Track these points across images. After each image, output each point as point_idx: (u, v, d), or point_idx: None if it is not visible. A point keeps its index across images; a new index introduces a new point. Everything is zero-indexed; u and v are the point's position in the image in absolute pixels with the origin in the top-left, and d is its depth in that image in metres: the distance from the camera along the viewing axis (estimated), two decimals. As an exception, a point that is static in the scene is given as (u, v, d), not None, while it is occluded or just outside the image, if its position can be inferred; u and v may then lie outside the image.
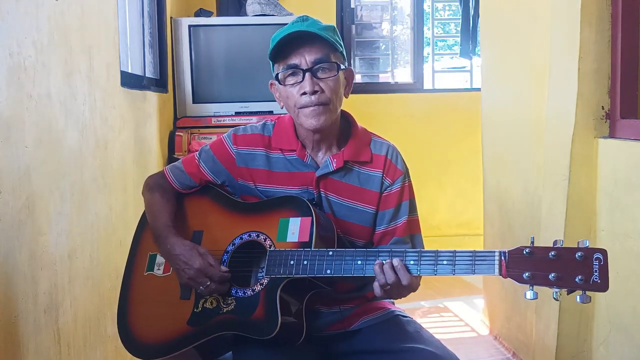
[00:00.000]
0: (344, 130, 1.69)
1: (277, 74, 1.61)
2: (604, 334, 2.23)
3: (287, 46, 1.58)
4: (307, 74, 1.57)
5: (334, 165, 1.64)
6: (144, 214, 1.79)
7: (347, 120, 1.71)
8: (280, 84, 1.61)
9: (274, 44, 1.59)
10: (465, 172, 4.84)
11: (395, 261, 1.42)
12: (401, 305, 1.79)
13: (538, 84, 2.69)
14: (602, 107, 2.23)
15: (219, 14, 4.20)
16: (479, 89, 3.60)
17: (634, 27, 2.16)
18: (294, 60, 1.58)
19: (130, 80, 2.96)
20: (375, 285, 1.45)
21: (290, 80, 1.60)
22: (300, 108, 1.59)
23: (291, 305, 1.53)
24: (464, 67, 5.41)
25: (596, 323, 2.27)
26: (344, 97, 1.66)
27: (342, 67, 1.63)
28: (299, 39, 1.58)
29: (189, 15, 4.10)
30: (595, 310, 2.27)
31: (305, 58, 1.57)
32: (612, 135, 2.21)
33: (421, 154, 4.84)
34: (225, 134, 1.74)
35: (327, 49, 1.59)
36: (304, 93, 1.57)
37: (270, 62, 1.65)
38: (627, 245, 2.05)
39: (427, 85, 5.16)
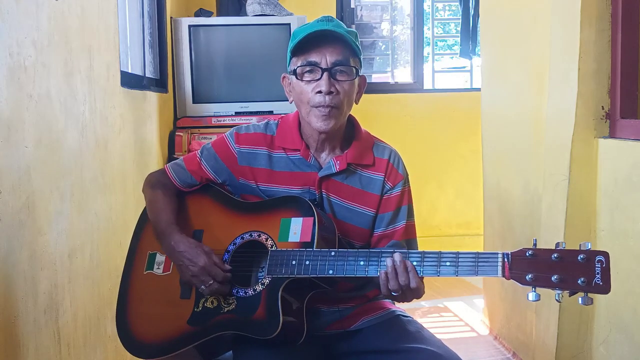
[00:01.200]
0: (348, 133, 1.70)
1: (295, 69, 1.61)
2: (604, 334, 2.23)
3: (309, 43, 1.58)
4: (326, 74, 1.58)
5: (337, 167, 1.64)
6: (142, 213, 1.78)
7: (351, 123, 1.72)
8: (297, 78, 1.61)
9: (297, 38, 1.59)
10: (465, 172, 4.84)
11: (409, 263, 1.43)
12: (401, 305, 1.79)
13: (538, 84, 2.69)
14: (602, 107, 2.23)
15: (219, 14, 4.20)
16: (479, 89, 3.61)
17: (634, 27, 2.16)
18: (315, 58, 1.58)
19: (130, 80, 2.96)
20: (383, 281, 1.45)
21: (308, 76, 1.60)
22: (313, 107, 1.59)
23: (292, 305, 1.53)
24: (464, 67, 5.41)
25: (596, 323, 2.27)
26: (353, 103, 1.66)
27: (359, 72, 1.63)
28: (322, 38, 1.58)
29: (189, 15, 4.10)
30: (595, 310, 2.27)
31: (326, 57, 1.58)
32: (612, 135, 2.21)
33: (421, 154, 4.84)
34: (227, 133, 1.74)
35: (348, 53, 1.60)
36: (319, 92, 1.58)
37: (288, 56, 1.65)
38: (627, 245, 2.05)
39: (427, 85, 5.16)
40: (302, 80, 1.61)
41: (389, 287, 1.44)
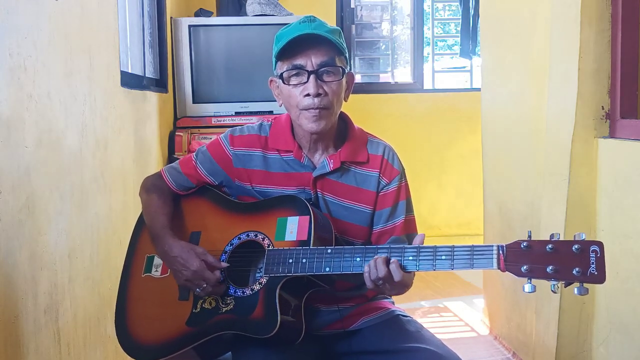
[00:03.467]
0: (340, 131, 1.70)
1: (282, 73, 1.61)
2: (604, 334, 2.23)
3: (293, 46, 1.58)
4: (312, 76, 1.57)
5: (331, 165, 1.64)
6: (140, 216, 1.79)
7: (344, 121, 1.72)
8: (284, 83, 1.61)
9: (280, 42, 1.59)
10: (465, 172, 4.84)
11: (392, 261, 1.42)
12: (401, 305, 1.79)
13: (538, 84, 2.69)
14: (602, 107, 2.23)
15: (219, 14, 4.20)
16: (479, 89, 3.60)
17: (634, 27, 2.16)
18: (300, 61, 1.58)
19: (130, 80, 2.96)
20: (367, 277, 1.45)
21: (294, 80, 1.60)
22: (302, 110, 1.59)
23: (290, 303, 1.54)
24: (464, 67, 5.41)
25: (596, 323, 2.27)
26: (343, 101, 1.66)
27: (346, 71, 1.63)
28: (306, 40, 1.57)
29: (189, 15, 4.10)
30: (595, 310, 2.27)
31: (311, 60, 1.57)
32: (612, 135, 2.21)
33: (421, 154, 4.84)
34: (222, 135, 1.74)
35: (333, 53, 1.59)
36: (307, 95, 1.57)
37: (274, 60, 1.65)
38: (627, 245, 2.05)
39: (427, 85, 5.16)
40: (289, 84, 1.60)
41: (370, 278, 1.44)
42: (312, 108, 1.58)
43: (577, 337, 2.34)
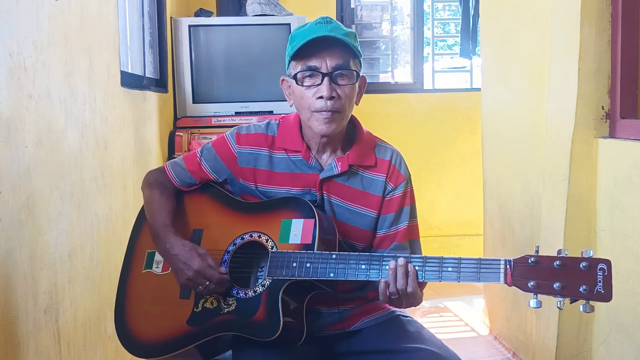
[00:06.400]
0: (349, 134, 1.69)
1: (295, 74, 1.60)
2: (604, 334, 2.23)
3: (309, 47, 1.56)
4: (327, 79, 1.56)
5: (339, 168, 1.64)
6: (141, 211, 1.78)
7: (352, 123, 1.71)
8: (297, 84, 1.60)
9: (297, 43, 1.57)
10: (465, 172, 4.84)
11: (410, 267, 1.43)
12: (401, 306, 1.79)
13: (538, 84, 2.69)
14: (602, 107, 2.23)
15: (219, 14, 4.20)
16: (479, 89, 3.61)
17: (634, 27, 2.16)
18: (315, 63, 1.57)
19: (130, 80, 2.96)
20: (382, 289, 1.45)
21: (308, 81, 1.59)
22: (314, 112, 1.58)
23: (292, 306, 1.53)
24: (464, 67, 5.40)
25: (596, 323, 2.27)
26: (354, 105, 1.66)
27: (359, 74, 1.62)
28: (322, 42, 1.56)
29: (189, 15, 4.10)
30: (595, 310, 2.26)
31: (326, 62, 1.56)
32: (612, 135, 2.21)
33: (421, 154, 4.84)
34: (228, 132, 1.73)
35: (348, 56, 1.59)
36: (321, 97, 1.57)
37: (287, 60, 1.63)
38: (627, 245, 2.05)
39: (427, 85, 5.16)
40: (302, 85, 1.59)
41: (388, 291, 1.44)
42: (325, 110, 1.57)
43: (577, 337, 2.34)
